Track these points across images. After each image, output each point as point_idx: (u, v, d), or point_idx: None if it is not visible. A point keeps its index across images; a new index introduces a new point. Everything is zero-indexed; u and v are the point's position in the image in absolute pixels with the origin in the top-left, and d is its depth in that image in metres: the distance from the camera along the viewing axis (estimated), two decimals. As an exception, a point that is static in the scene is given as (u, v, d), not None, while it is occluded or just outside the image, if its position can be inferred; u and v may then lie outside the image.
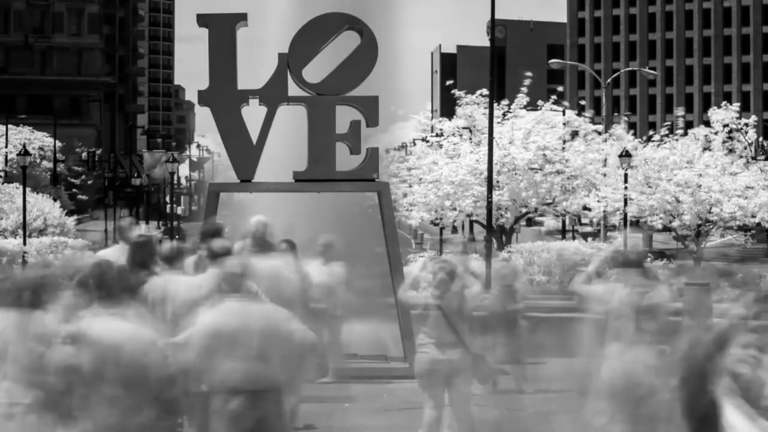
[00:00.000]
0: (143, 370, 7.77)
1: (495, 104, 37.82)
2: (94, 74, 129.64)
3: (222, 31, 17.72)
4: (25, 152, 51.60)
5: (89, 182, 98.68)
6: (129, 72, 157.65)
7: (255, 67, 18.53)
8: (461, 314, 11.47)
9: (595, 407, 10.11)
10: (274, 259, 12.22)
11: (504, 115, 46.07)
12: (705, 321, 15.54)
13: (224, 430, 8.71)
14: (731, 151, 47.89)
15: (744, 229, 49.61)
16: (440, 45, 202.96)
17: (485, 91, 41.32)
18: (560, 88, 58.05)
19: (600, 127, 50.88)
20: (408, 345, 16.02)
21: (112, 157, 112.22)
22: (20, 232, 42.57)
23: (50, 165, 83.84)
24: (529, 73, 45.50)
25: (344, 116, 17.66)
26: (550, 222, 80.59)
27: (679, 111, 63.40)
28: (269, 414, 8.77)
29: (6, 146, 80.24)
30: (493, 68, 35.68)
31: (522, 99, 45.99)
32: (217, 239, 10.88)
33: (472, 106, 44.84)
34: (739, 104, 50.73)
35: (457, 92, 45.61)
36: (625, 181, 43.89)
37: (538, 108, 47.04)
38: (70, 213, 53.07)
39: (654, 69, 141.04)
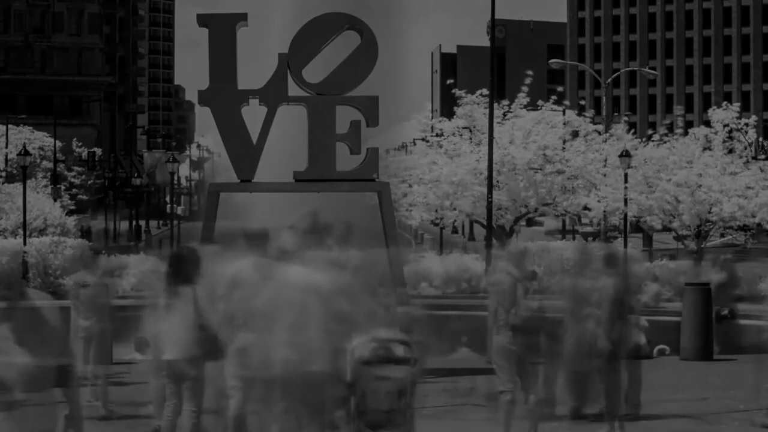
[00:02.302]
0: None
1: (495, 104, 37.81)
2: (94, 74, 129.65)
3: (222, 31, 17.69)
4: (25, 152, 51.55)
5: (89, 182, 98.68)
6: (129, 72, 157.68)
7: (255, 67, 18.47)
8: None
9: None
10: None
11: (504, 114, 46.04)
12: None
13: None
14: (731, 151, 47.83)
15: (744, 229, 49.54)
16: (440, 45, 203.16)
17: (485, 91, 41.29)
18: (560, 88, 58.10)
19: (600, 127, 50.85)
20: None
21: (112, 157, 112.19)
22: (20, 231, 42.57)
23: (50, 165, 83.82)
24: (529, 72, 45.49)
25: (344, 116, 17.62)
26: (550, 222, 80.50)
27: (678, 110, 63.29)
28: None
29: (6, 146, 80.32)
30: (493, 68, 35.65)
31: (522, 99, 45.97)
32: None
33: (472, 106, 44.82)
34: (739, 104, 50.68)
35: (457, 92, 45.59)
36: (626, 181, 43.85)
37: (539, 108, 47.01)
38: (70, 213, 53.10)
39: (654, 69, 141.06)
